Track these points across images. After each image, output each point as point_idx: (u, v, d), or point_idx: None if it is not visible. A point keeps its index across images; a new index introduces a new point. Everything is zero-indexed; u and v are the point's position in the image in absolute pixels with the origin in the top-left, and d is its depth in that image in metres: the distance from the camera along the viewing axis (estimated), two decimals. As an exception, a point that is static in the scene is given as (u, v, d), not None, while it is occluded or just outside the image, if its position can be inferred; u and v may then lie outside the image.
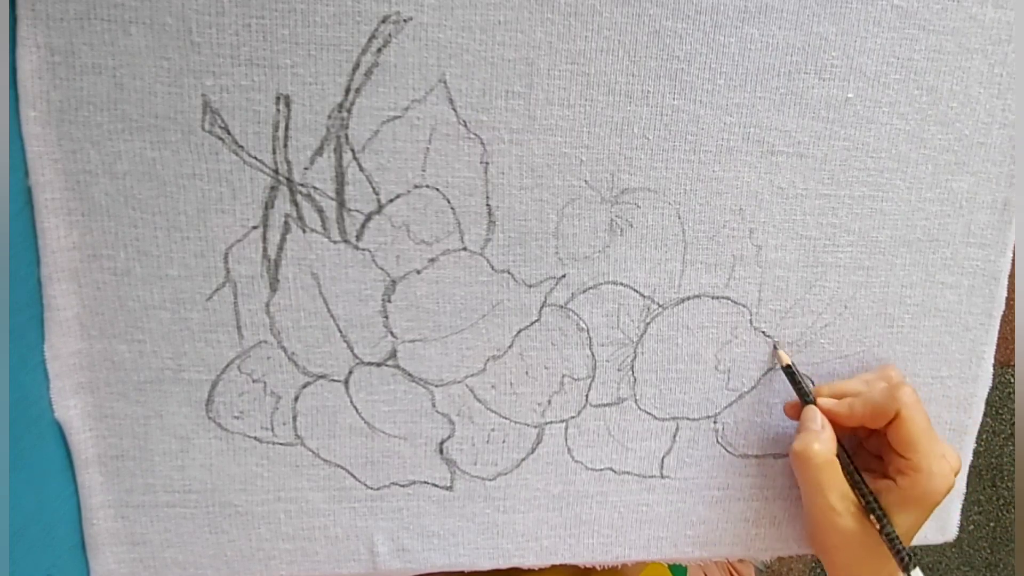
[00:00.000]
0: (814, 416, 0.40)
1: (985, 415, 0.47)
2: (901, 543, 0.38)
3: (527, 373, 0.40)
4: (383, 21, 0.34)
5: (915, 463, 0.38)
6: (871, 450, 0.42)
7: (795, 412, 0.42)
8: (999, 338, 0.45)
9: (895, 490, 0.39)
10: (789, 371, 0.41)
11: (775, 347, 0.42)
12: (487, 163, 0.37)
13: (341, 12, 0.34)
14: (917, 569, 0.38)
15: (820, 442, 0.39)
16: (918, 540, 0.47)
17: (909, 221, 0.42)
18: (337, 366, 0.38)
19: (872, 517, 0.39)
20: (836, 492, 0.39)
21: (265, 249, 0.36)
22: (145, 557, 0.39)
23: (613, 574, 0.50)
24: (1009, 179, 0.42)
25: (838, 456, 0.40)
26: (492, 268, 0.38)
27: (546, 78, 0.36)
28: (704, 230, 0.40)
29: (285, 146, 0.35)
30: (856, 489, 0.39)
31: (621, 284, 0.40)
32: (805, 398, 0.41)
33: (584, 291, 0.40)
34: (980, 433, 0.47)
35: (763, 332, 0.42)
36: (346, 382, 0.39)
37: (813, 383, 0.43)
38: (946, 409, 0.45)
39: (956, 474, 0.39)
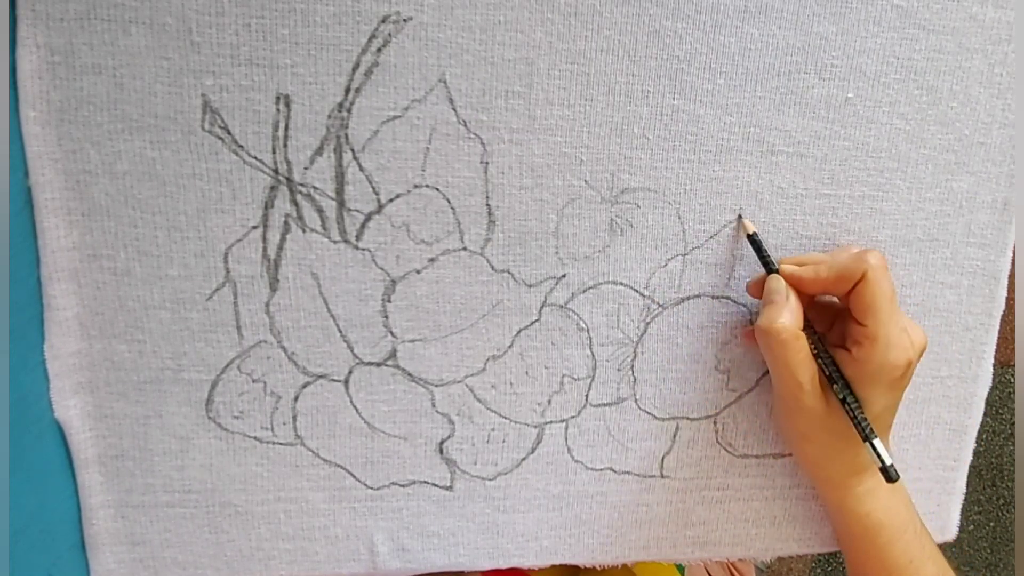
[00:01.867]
0: (779, 287, 0.38)
1: (985, 415, 0.47)
2: (860, 411, 0.37)
3: (527, 373, 0.40)
4: (383, 21, 0.34)
5: (872, 331, 0.36)
6: (834, 340, 0.40)
7: (758, 289, 0.40)
8: (999, 338, 0.45)
9: (852, 362, 0.37)
10: (753, 240, 0.39)
11: (739, 217, 0.40)
12: (487, 163, 0.37)
13: (341, 12, 0.34)
14: (877, 441, 0.37)
15: (788, 313, 0.37)
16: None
17: (909, 221, 0.42)
18: (337, 366, 0.38)
19: (834, 388, 0.37)
20: (803, 369, 0.37)
21: (265, 249, 0.36)
22: (145, 557, 0.39)
23: (613, 574, 0.50)
24: (1009, 179, 0.42)
25: (803, 330, 0.38)
26: (492, 268, 0.38)
27: (546, 78, 0.36)
28: (704, 230, 0.40)
29: (285, 146, 0.35)
30: (819, 362, 0.38)
31: (621, 284, 0.40)
32: (769, 267, 0.39)
33: (584, 291, 0.40)
34: (980, 433, 0.47)
35: (763, 332, 0.42)
36: (346, 382, 0.39)
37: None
38: (946, 409, 0.45)
39: (919, 353, 0.38)
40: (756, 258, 0.40)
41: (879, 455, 0.37)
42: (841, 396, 0.37)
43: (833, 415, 0.38)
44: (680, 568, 0.62)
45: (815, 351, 0.38)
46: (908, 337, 0.37)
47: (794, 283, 0.38)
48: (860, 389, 0.37)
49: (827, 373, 0.38)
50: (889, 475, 0.37)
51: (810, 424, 0.38)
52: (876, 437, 0.37)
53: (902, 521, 0.40)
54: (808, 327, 0.38)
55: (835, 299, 0.40)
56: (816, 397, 0.38)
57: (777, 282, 0.38)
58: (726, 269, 0.40)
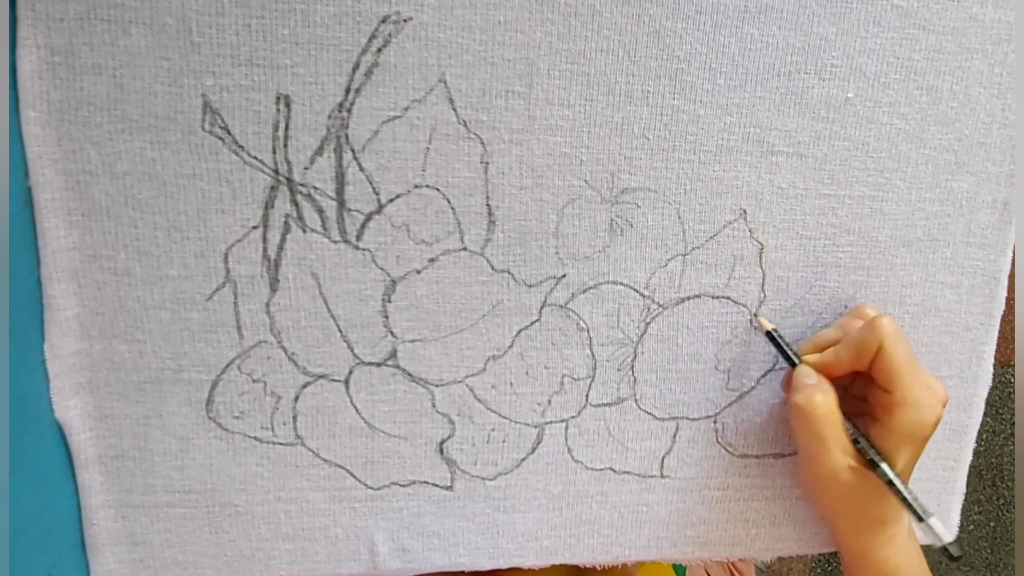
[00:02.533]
0: (808, 372, 0.39)
1: (985, 415, 0.47)
2: (915, 496, 0.37)
3: (527, 373, 0.40)
4: (383, 21, 0.34)
5: (900, 396, 0.37)
6: (856, 395, 0.41)
7: (788, 385, 0.41)
8: (999, 338, 0.45)
9: (884, 430, 0.38)
10: (771, 336, 0.41)
11: (755, 315, 0.41)
12: (487, 163, 0.37)
13: (341, 12, 0.34)
14: (934, 518, 0.37)
15: (822, 393, 0.38)
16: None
17: (909, 221, 0.42)
18: (337, 366, 0.38)
19: (878, 470, 0.38)
20: (839, 446, 0.38)
21: (265, 249, 0.36)
22: (145, 557, 0.39)
23: (613, 574, 0.50)
24: (1009, 179, 0.42)
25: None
26: (492, 268, 0.38)
27: (546, 78, 0.36)
28: (704, 230, 0.40)
29: (285, 146, 0.35)
30: (856, 442, 0.39)
31: (621, 284, 0.40)
32: (792, 360, 0.40)
33: (584, 291, 0.40)
34: (980, 433, 0.47)
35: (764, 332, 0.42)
36: (346, 382, 0.39)
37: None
38: (946, 409, 0.45)
39: (943, 405, 0.39)
40: (756, 257, 0.40)
41: (941, 534, 0.37)
42: (887, 479, 0.38)
43: (864, 481, 0.38)
44: (680, 568, 0.62)
45: (849, 433, 0.39)
46: (933, 394, 0.38)
47: (819, 370, 0.39)
48: (891, 451, 0.38)
49: (868, 458, 0.38)
50: (952, 553, 0.37)
51: (843, 492, 0.39)
52: (933, 515, 0.37)
53: (912, 567, 0.41)
54: (847, 415, 0.39)
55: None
56: (851, 472, 0.38)
57: (806, 369, 0.40)
58: (726, 269, 0.40)
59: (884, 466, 0.38)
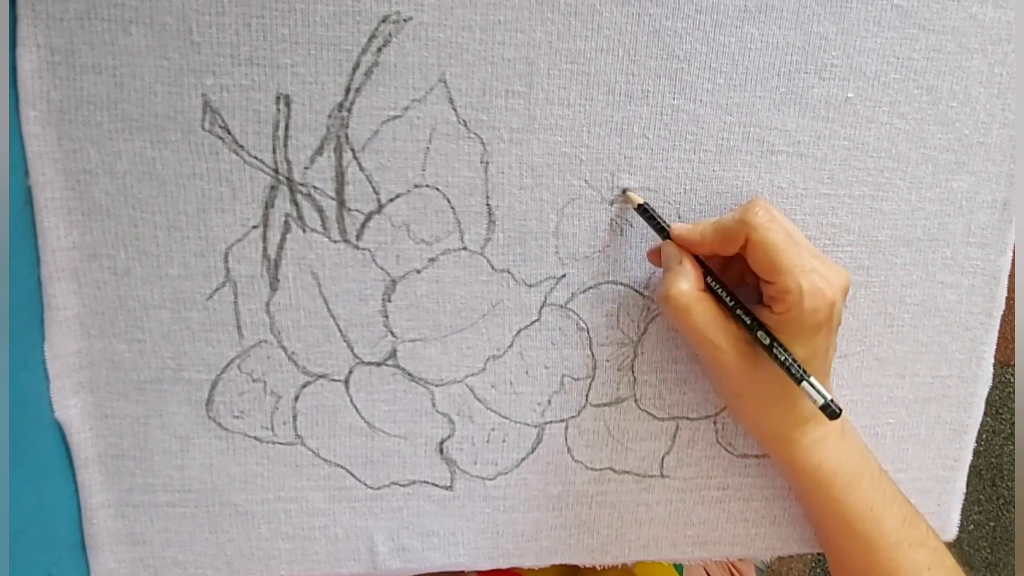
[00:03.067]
0: (672, 253, 0.37)
1: (985, 415, 0.47)
2: (788, 353, 0.35)
3: (527, 373, 0.40)
4: (383, 21, 0.34)
5: (781, 284, 0.35)
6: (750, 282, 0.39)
7: (656, 257, 0.39)
8: (999, 338, 0.45)
9: (772, 318, 0.36)
10: (643, 210, 0.38)
11: (624, 191, 0.38)
12: (487, 162, 0.37)
13: (341, 12, 0.34)
14: (813, 379, 0.35)
15: (681, 280, 0.36)
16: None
17: (909, 221, 0.42)
18: (337, 366, 0.38)
19: (758, 336, 0.36)
20: (714, 328, 0.36)
21: (265, 249, 0.36)
22: (145, 556, 0.39)
23: (613, 574, 0.50)
24: (1009, 179, 0.42)
25: (709, 288, 0.37)
26: (492, 268, 0.38)
27: (546, 78, 0.36)
28: (704, 230, 0.40)
29: (285, 146, 0.35)
30: (735, 317, 0.37)
31: (621, 284, 0.40)
32: (663, 235, 0.38)
33: (584, 291, 0.40)
34: (980, 433, 0.47)
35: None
36: (346, 382, 0.39)
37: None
38: (946, 409, 0.45)
39: (843, 290, 0.36)
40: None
41: (817, 393, 0.35)
42: (767, 343, 0.36)
43: (761, 368, 0.36)
44: (679, 568, 0.62)
45: (731, 307, 0.37)
46: (822, 278, 0.35)
47: (684, 246, 0.37)
48: (787, 341, 0.36)
49: (747, 324, 0.36)
50: (831, 411, 0.35)
51: (740, 382, 0.37)
52: (810, 376, 0.35)
53: (856, 468, 0.39)
54: (720, 286, 0.37)
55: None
56: (738, 354, 0.36)
57: (669, 248, 0.37)
58: (726, 269, 0.40)
59: (760, 333, 0.36)
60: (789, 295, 0.35)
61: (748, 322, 0.36)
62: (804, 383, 0.35)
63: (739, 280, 0.39)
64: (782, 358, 0.36)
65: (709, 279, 0.37)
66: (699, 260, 0.37)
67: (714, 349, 0.36)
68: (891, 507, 0.39)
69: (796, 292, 0.35)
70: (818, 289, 0.35)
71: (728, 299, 0.37)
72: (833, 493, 0.38)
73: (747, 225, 0.35)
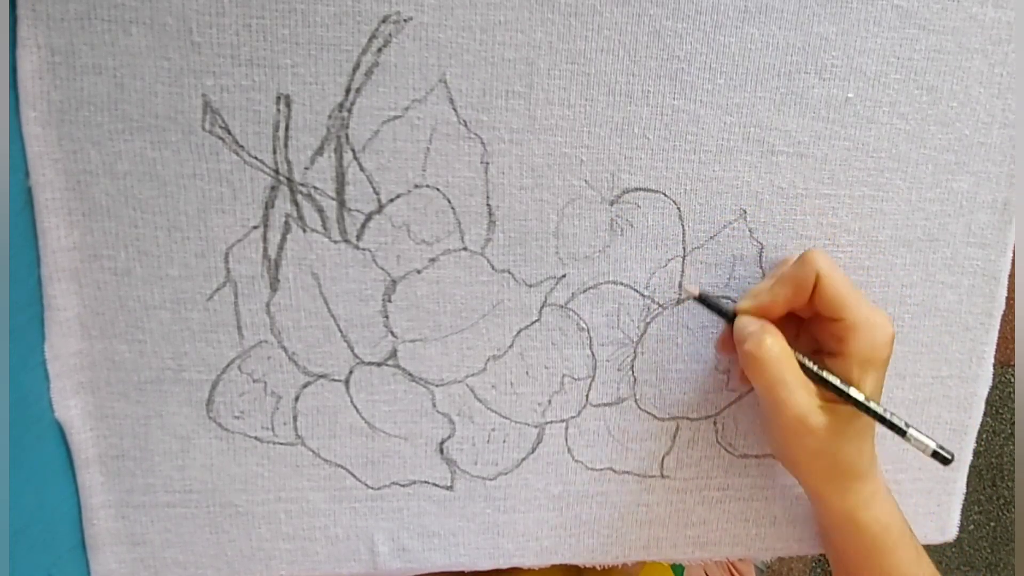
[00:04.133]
0: (748, 320, 0.37)
1: (985, 415, 0.47)
2: (886, 409, 0.36)
3: (527, 373, 0.40)
4: (383, 21, 0.34)
5: (851, 320, 0.36)
6: (803, 339, 0.40)
7: (728, 344, 0.39)
8: (999, 338, 0.45)
9: (842, 359, 0.36)
10: (703, 300, 0.39)
11: (680, 284, 0.39)
12: (487, 163, 0.37)
13: (341, 12, 0.34)
14: (913, 429, 0.36)
15: (770, 335, 0.36)
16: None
17: (909, 221, 0.42)
18: (337, 366, 0.38)
19: (849, 391, 0.36)
20: (801, 385, 0.36)
21: (265, 249, 0.36)
22: (145, 557, 0.39)
23: (613, 574, 0.50)
24: (1009, 179, 0.42)
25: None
26: (492, 268, 0.38)
27: (546, 78, 0.36)
28: (704, 230, 0.40)
29: (285, 146, 0.35)
30: (816, 378, 0.37)
31: (621, 284, 0.40)
32: (728, 317, 0.38)
33: (584, 291, 0.40)
34: (980, 433, 0.47)
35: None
36: (346, 382, 0.39)
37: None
38: (946, 409, 0.45)
39: (892, 326, 0.37)
40: (756, 257, 0.40)
41: (924, 441, 0.35)
42: (862, 399, 0.36)
43: (838, 425, 0.37)
44: (678, 568, 0.62)
45: (816, 369, 0.37)
46: (881, 315, 0.36)
47: (759, 315, 0.38)
48: (855, 381, 0.37)
49: (836, 383, 0.36)
50: (943, 457, 0.35)
51: (817, 441, 0.37)
52: (910, 428, 0.36)
53: (902, 523, 0.40)
54: (799, 353, 0.37)
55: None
56: (821, 413, 0.36)
57: (744, 319, 0.38)
58: (726, 269, 0.40)
59: (852, 390, 0.36)
60: (859, 330, 0.36)
61: (837, 382, 0.37)
62: (911, 431, 0.36)
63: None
64: (880, 411, 0.36)
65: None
66: None
67: (795, 402, 0.36)
68: (922, 556, 0.40)
69: (867, 324, 0.36)
70: (883, 322, 0.36)
71: (811, 363, 0.37)
72: (887, 546, 0.39)
73: (814, 265, 0.36)
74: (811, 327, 0.39)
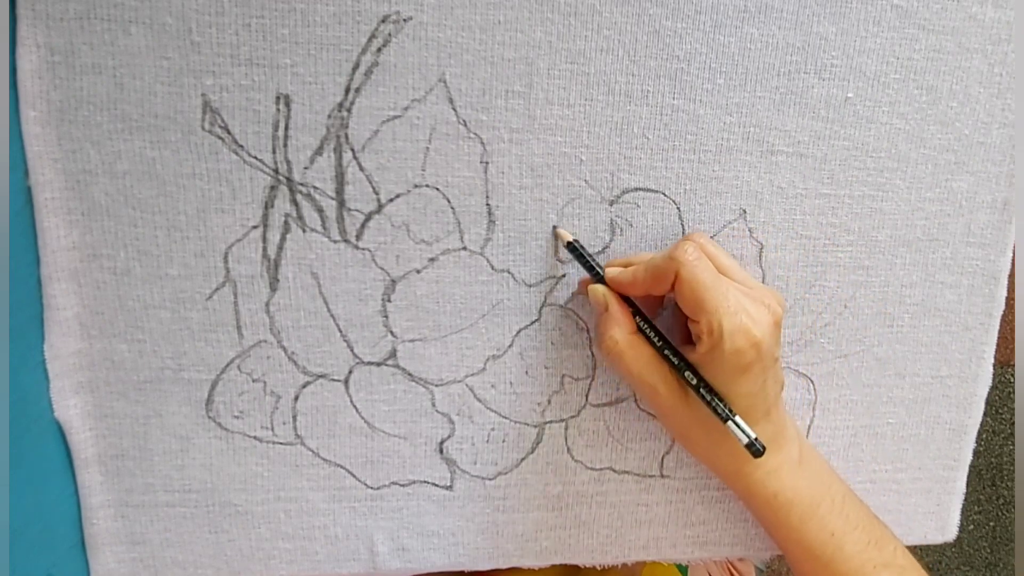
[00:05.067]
0: (597, 298, 0.37)
1: (985, 415, 0.47)
2: (713, 393, 0.36)
3: (527, 373, 0.40)
4: (383, 21, 0.34)
5: (705, 324, 0.35)
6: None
7: (582, 290, 0.39)
8: (999, 338, 0.45)
9: (702, 358, 0.36)
10: (573, 248, 0.38)
11: (554, 228, 0.38)
12: (487, 163, 0.37)
13: (341, 12, 0.34)
14: (732, 421, 0.35)
15: (611, 326, 0.36)
16: (918, 540, 0.47)
17: (909, 221, 0.42)
18: (337, 366, 0.38)
19: (684, 375, 0.36)
20: (649, 371, 0.36)
21: (265, 249, 0.36)
22: (145, 556, 0.39)
23: (613, 574, 0.50)
24: (1009, 179, 0.42)
25: (641, 331, 0.37)
26: (492, 268, 0.38)
27: (546, 78, 0.36)
28: (704, 230, 0.40)
29: (285, 146, 0.35)
30: (664, 358, 0.37)
31: (621, 284, 0.40)
32: (595, 274, 0.38)
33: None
34: (980, 433, 0.47)
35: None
36: (346, 382, 0.39)
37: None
38: (946, 409, 0.45)
39: (773, 325, 0.36)
40: (756, 257, 0.40)
41: (740, 432, 0.35)
42: (694, 383, 0.36)
43: (701, 407, 0.36)
44: (682, 568, 0.62)
45: (659, 347, 0.37)
46: (748, 317, 0.35)
47: (617, 288, 0.37)
48: (716, 382, 0.36)
49: (674, 364, 0.36)
50: (755, 450, 0.35)
51: (682, 422, 0.37)
52: (734, 416, 0.35)
53: (813, 496, 0.39)
54: (649, 327, 0.37)
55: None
56: (675, 396, 0.37)
57: (596, 293, 0.37)
58: (726, 269, 0.40)
59: (687, 373, 0.36)
60: (711, 335, 0.35)
61: (676, 362, 0.36)
62: (729, 422, 0.35)
63: (681, 322, 0.39)
64: (708, 398, 0.36)
65: (639, 320, 0.37)
66: (630, 301, 0.37)
67: (652, 392, 0.37)
68: (853, 531, 0.39)
69: (718, 332, 0.34)
70: (741, 329, 0.34)
71: (656, 340, 0.37)
72: (792, 522, 0.39)
73: (676, 262, 0.35)
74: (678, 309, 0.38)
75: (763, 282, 0.41)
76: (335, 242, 0.37)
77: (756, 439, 0.35)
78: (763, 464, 0.38)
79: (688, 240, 0.36)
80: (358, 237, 0.37)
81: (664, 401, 0.37)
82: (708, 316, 0.34)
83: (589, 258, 0.38)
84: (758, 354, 0.35)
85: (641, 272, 0.36)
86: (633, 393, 0.41)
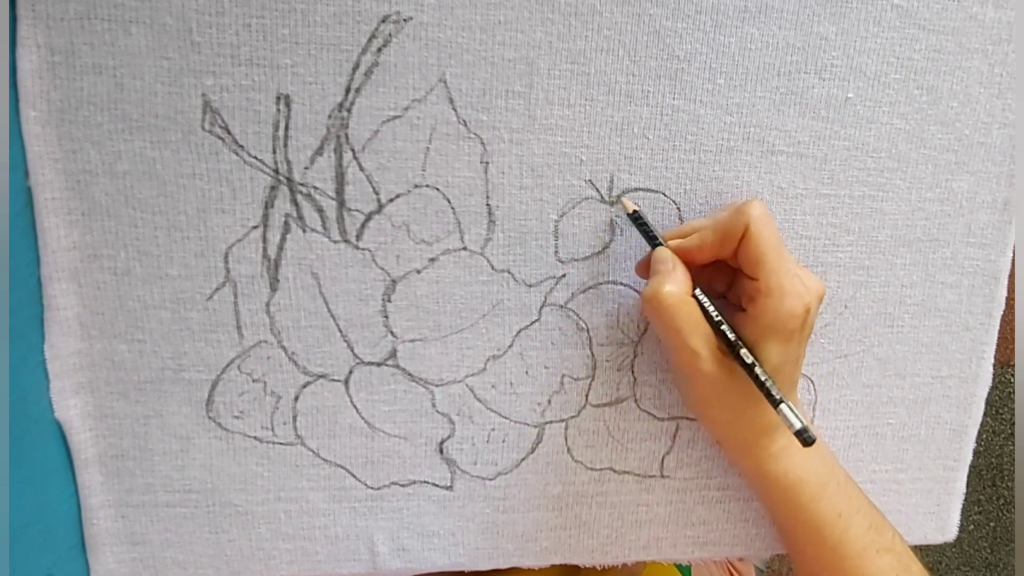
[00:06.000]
0: (664, 257, 0.36)
1: (985, 415, 0.47)
2: (767, 377, 0.35)
3: (527, 373, 0.40)
4: (383, 21, 0.34)
5: (763, 283, 0.35)
6: (720, 288, 0.39)
7: (645, 269, 0.38)
8: (999, 338, 0.45)
9: (748, 320, 0.36)
10: (636, 217, 0.38)
11: (619, 197, 0.38)
12: (487, 163, 0.37)
13: (341, 12, 0.34)
14: (785, 405, 0.35)
15: (672, 282, 0.36)
16: (918, 540, 0.47)
17: (909, 221, 0.42)
18: (337, 366, 0.38)
19: (739, 352, 0.36)
20: (696, 334, 0.36)
21: (265, 249, 0.36)
22: (145, 557, 0.39)
23: (613, 574, 0.50)
24: (1009, 179, 0.42)
25: (695, 297, 0.36)
26: (492, 268, 0.38)
27: (546, 78, 0.36)
28: (704, 230, 0.40)
29: (285, 146, 0.35)
30: (717, 330, 0.36)
31: (621, 284, 0.40)
32: (655, 243, 0.37)
33: (584, 291, 0.40)
34: (980, 433, 0.47)
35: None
36: (346, 382, 0.39)
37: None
38: (946, 409, 0.45)
39: (819, 298, 0.36)
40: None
41: (794, 417, 0.35)
42: (749, 362, 0.36)
43: (734, 377, 0.36)
44: (685, 569, 0.62)
45: (716, 320, 0.36)
46: (802, 283, 0.36)
47: (682, 255, 0.37)
48: (757, 345, 0.36)
49: (728, 338, 0.36)
50: (804, 439, 0.35)
51: (711, 389, 0.37)
52: (785, 401, 0.35)
53: (822, 476, 0.39)
54: (702, 293, 0.37)
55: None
56: (714, 361, 0.36)
57: (662, 253, 0.37)
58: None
59: (743, 352, 0.36)
60: (770, 297, 0.35)
61: (732, 339, 0.36)
62: (782, 406, 0.35)
63: (718, 294, 0.39)
64: (763, 379, 0.36)
65: (697, 291, 0.37)
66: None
67: (692, 356, 0.36)
68: (856, 514, 0.39)
69: (777, 292, 0.35)
70: (798, 292, 0.35)
71: (715, 313, 0.36)
72: (801, 501, 0.39)
73: (746, 216, 0.35)
74: (738, 278, 0.38)
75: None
76: (335, 242, 0.37)
77: (806, 428, 0.35)
78: (776, 440, 0.38)
79: (755, 199, 0.36)
80: (358, 237, 0.37)
81: (702, 366, 0.36)
82: (768, 275, 0.35)
83: (652, 229, 0.37)
84: (804, 322, 0.36)
85: (709, 234, 0.36)
86: (634, 393, 0.41)
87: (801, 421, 0.35)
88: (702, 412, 0.40)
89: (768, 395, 0.35)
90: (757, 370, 0.36)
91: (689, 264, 0.37)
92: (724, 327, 0.36)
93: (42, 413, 0.35)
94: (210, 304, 0.37)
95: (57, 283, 0.35)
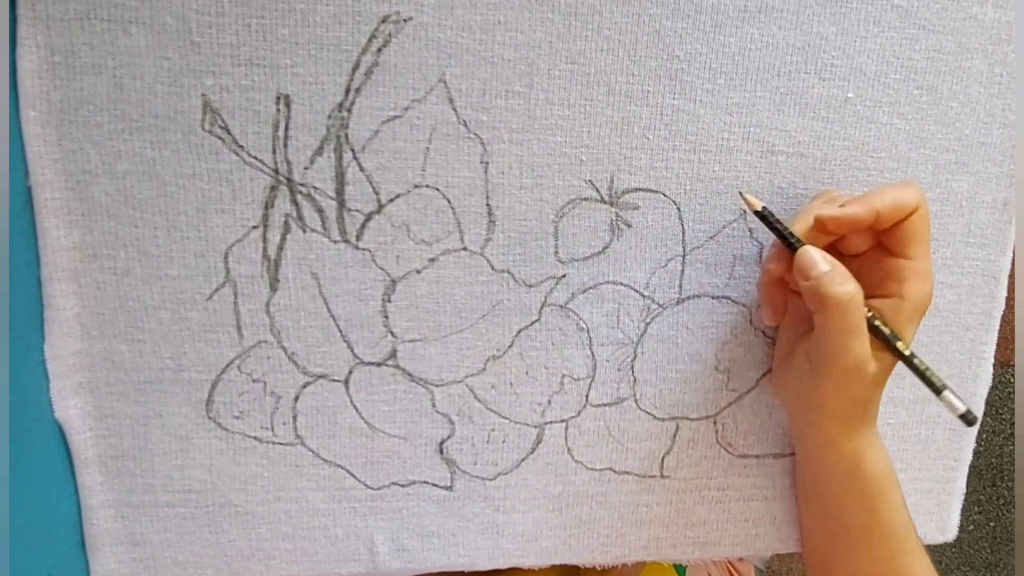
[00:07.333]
0: (819, 257, 0.35)
1: (985, 415, 0.47)
2: (927, 367, 0.36)
3: (527, 373, 0.40)
4: (383, 21, 0.34)
5: (923, 265, 0.35)
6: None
7: (776, 263, 0.37)
8: (999, 338, 0.45)
9: (900, 300, 0.35)
10: (763, 216, 0.37)
11: (740, 193, 0.38)
12: (487, 163, 0.37)
13: (341, 12, 0.34)
14: (949, 391, 0.35)
15: (852, 280, 0.34)
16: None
17: (909, 221, 0.42)
18: (337, 366, 0.38)
19: (896, 346, 0.35)
20: (865, 336, 0.35)
21: (265, 249, 0.36)
22: (145, 557, 0.39)
23: (613, 574, 0.50)
24: (1009, 179, 0.42)
25: None
26: (492, 268, 0.38)
27: (546, 78, 0.36)
28: (704, 230, 0.40)
29: (285, 146, 0.35)
30: (871, 325, 0.35)
31: (621, 284, 0.40)
32: (791, 242, 0.36)
33: (584, 291, 0.40)
34: (980, 433, 0.47)
35: (763, 332, 0.42)
36: (346, 382, 0.39)
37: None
38: (946, 409, 0.45)
39: None
40: (756, 257, 0.40)
41: (956, 401, 0.35)
42: (907, 354, 0.35)
43: (882, 375, 0.36)
44: (680, 568, 0.62)
45: (870, 316, 0.36)
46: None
47: (851, 224, 0.35)
48: (902, 330, 0.36)
49: (886, 335, 0.35)
50: (970, 421, 0.35)
51: (865, 389, 0.36)
52: (948, 387, 0.35)
53: (894, 469, 0.40)
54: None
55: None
56: (876, 359, 0.36)
57: (809, 254, 0.35)
58: (726, 269, 0.40)
59: (899, 344, 0.36)
60: (926, 279, 0.36)
61: (887, 332, 0.36)
62: (946, 392, 0.35)
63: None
64: (923, 368, 0.36)
65: None
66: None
67: (860, 351, 0.35)
68: (906, 504, 0.40)
69: (927, 272, 0.36)
70: (931, 275, 0.36)
71: (868, 312, 0.36)
72: (883, 488, 0.39)
73: (917, 192, 0.35)
74: (863, 265, 0.37)
75: (763, 282, 0.41)
76: (335, 242, 0.37)
77: (970, 410, 0.35)
78: (873, 430, 0.38)
79: (910, 181, 0.36)
80: (358, 237, 0.37)
81: (861, 359, 0.35)
82: (926, 259, 0.36)
83: (783, 228, 0.37)
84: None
85: (878, 201, 0.35)
86: (634, 393, 0.41)
87: (965, 404, 0.35)
88: (831, 412, 0.38)
89: (930, 384, 0.35)
90: (916, 360, 0.36)
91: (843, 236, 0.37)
92: (877, 322, 0.36)
93: (42, 413, 0.35)
94: (210, 304, 0.37)
95: (57, 283, 0.35)
